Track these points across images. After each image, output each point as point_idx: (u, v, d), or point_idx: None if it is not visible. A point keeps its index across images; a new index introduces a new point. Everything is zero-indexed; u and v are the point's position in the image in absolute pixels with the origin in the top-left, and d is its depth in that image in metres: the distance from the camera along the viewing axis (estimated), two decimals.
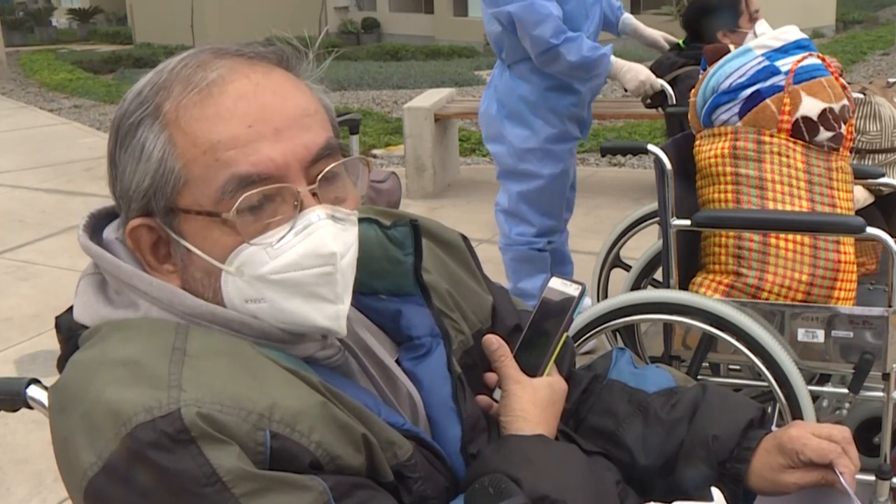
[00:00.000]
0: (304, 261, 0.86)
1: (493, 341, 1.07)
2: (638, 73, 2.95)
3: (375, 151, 6.94)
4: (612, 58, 2.86)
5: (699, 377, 2.08)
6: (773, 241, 1.98)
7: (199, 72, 0.88)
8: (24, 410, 1.13)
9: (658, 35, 3.46)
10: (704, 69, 2.23)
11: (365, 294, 1.04)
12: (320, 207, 0.87)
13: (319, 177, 0.88)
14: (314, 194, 0.88)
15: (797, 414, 1.87)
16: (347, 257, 0.90)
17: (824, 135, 2.01)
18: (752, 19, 3.12)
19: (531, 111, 2.95)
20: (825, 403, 2.25)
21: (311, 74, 0.95)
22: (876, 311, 1.93)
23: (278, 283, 0.87)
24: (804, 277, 1.98)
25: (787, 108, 2.00)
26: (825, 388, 2.17)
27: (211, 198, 0.85)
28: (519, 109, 2.96)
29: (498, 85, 3.02)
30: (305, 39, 0.97)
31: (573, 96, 2.97)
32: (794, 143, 2.01)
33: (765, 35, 2.16)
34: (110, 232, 0.95)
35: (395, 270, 1.04)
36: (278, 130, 0.86)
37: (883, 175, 2.42)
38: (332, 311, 0.88)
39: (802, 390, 1.87)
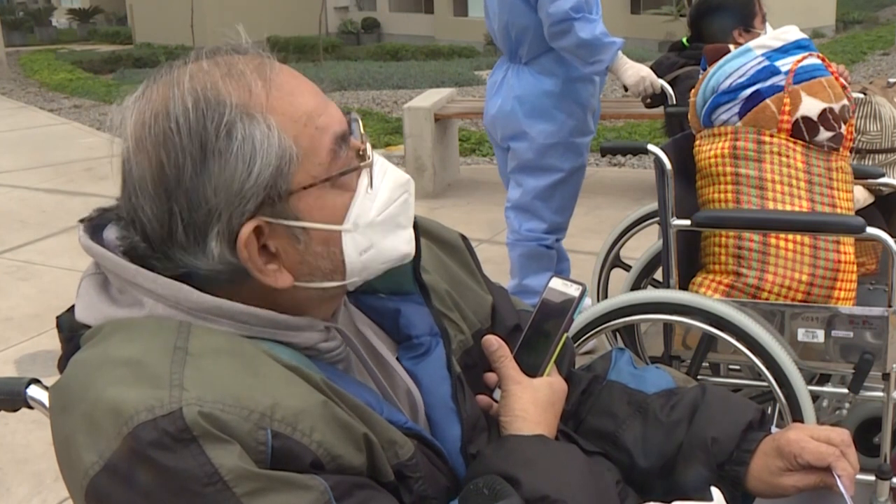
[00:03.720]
0: (394, 194, 0.94)
1: (493, 342, 1.07)
2: (639, 70, 2.96)
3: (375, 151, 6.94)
4: (619, 52, 2.88)
5: (699, 377, 2.08)
6: (773, 241, 1.99)
7: (242, 63, 0.89)
8: (24, 410, 1.13)
9: None
10: (704, 69, 2.23)
11: (364, 292, 1.05)
12: (374, 151, 0.95)
13: (362, 129, 0.95)
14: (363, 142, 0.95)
15: (797, 414, 1.87)
16: None
17: (824, 135, 2.01)
18: (764, 20, 3.12)
19: (555, 105, 2.98)
20: (825, 403, 2.25)
21: None
22: (876, 311, 1.93)
23: (381, 224, 0.93)
24: (804, 277, 1.98)
25: (787, 108, 2.00)
26: (825, 388, 2.17)
27: (323, 165, 0.89)
28: (542, 105, 2.98)
29: (514, 84, 3.03)
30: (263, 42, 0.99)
31: (592, 86, 3.03)
32: (794, 143, 2.01)
33: (765, 35, 2.17)
34: (110, 233, 0.95)
35: (395, 269, 1.04)
36: (323, 98, 0.93)
37: (883, 175, 2.42)
38: (408, 235, 0.97)
39: (802, 390, 1.87)
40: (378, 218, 0.92)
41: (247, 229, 0.86)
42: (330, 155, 0.89)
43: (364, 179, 0.92)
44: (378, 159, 0.95)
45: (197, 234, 0.86)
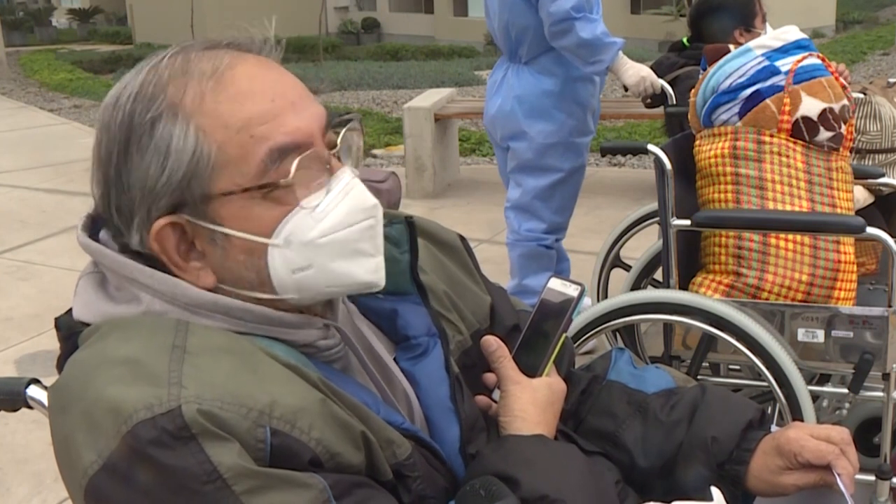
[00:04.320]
0: (350, 217, 0.90)
1: (492, 342, 1.07)
2: (639, 70, 2.96)
3: (375, 151, 6.94)
4: (619, 52, 2.88)
5: (699, 377, 2.08)
6: (773, 241, 1.99)
7: (203, 62, 0.89)
8: (24, 410, 1.13)
9: None
10: (704, 69, 2.23)
11: (362, 293, 1.05)
12: (348, 168, 0.91)
13: (340, 138, 0.92)
14: (338, 158, 0.92)
15: (797, 414, 1.87)
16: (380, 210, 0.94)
17: (824, 135, 2.01)
18: (765, 20, 3.12)
19: (555, 105, 2.98)
20: (825, 403, 2.25)
21: (278, 57, 0.98)
22: (876, 311, 1.93)
23: (326, 246, 0.89)
24: (804, 277, 1.98)
25: (787, 108, 2.00)
26: (825, 388, 2.17)
27: (250, 174, 0.86)
28: (542, 104, 2.98)
29: (514, 84, 3.03)
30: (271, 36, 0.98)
31: (592, 86, 3.02)
32: (794, 143, 2.01)
33: (765, 35, 2.17)
34: (106, 233, 0.95)
35: (392, 269, 1.04)
36: (294, 103, 0.89)
37: (883, 175, 2.42)
38: (373, 264, 0.92)
39: (802, 390, 1.87)
40: (322, 240, 0.88)
41: (158, 224, 0.88)
42: (260, 166, 0.86)
43: (315, 196, 0.88)
44: (344, 179, 0.90)
45: (126, 220, 0.90)
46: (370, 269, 0.92)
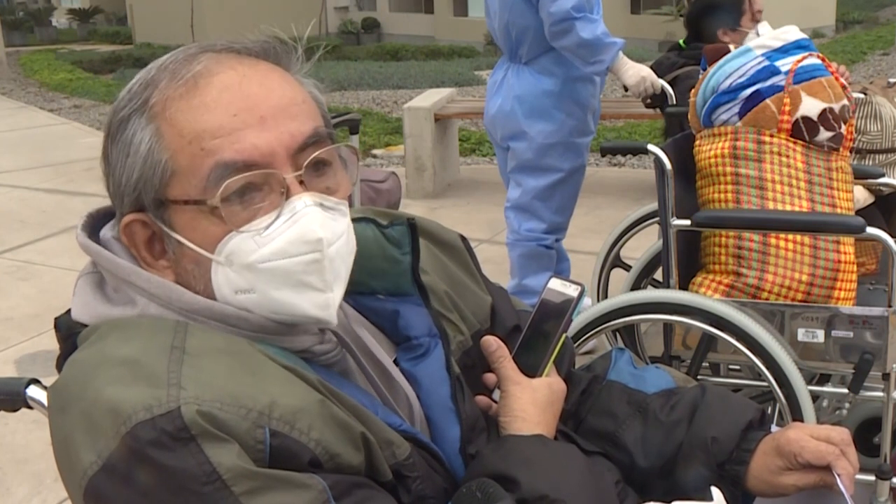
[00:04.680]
0: (291, 248, 0.86)
1: (492, 342, 1.07)
2: (639, 70, 2.96)
3: (375, 151, 6.94)
4: (619, 52, 2.88)
5: (699, 377, 2.08)
6: (773, 241, 1.99)
7: (186, 65, 0.89)
8: (24, 410, 1.13)
9: None
10: (704, 69, 2.23)
11: (363, 294, 1.05)
12: (307, 194, 0.88)
13: (305, 164, 0.88)
14: (301, 182, 0.88)
15: (797, 414, 1.87)
16: (336, 245, 0.89)
17: (824, 135, 2.01)
18: (755, 19, 3.13)
19: (555, 105, 2.98)
20: (825, 403, 2.25)
21: (300, 69, 0.96)
22: (876, 311, 1.93)
23: (267, 272, 0.86)
24: (804, 277, 1.98)
25: (787, 108, 2.00)
26: (825, 388, 2.17)
27: (197, 187, 0.86)
28: (542, 104, 2.98)
29: (514, 84, 3.02)
30: (295, 37, 0.98)
31: (592, 86, 3.02)
32: (794, 143, 2.01)
33: (765, 35, 2.17)
34: (107, 230, 0.96)
35: (393, 270, 1.04)
36: (263, 119, 0.87)
37: (883, 175, 2.42)
38: (322, 300, 0.88)
39: (802, 390, 1.87)
40: (262, 265, 0.86)
41: (127, 219, 0.90)
42: (205, 180, 0.85)
43: (265, 219, 0.86)
44: (296, 209, 0.86)
45: (114, 209, 0.93)
46: (318, 304, 0.88)
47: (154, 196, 0.88)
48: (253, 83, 0.89)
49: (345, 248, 0.91)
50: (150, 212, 0.89)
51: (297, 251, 0.86)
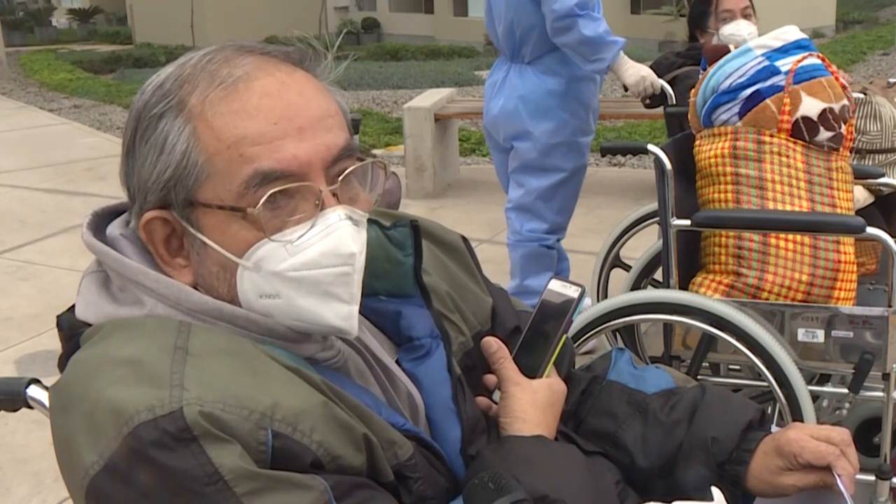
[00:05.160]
0: (324, 259, 0.87)
1: (493, 343, 1.07)
2: (639, 70, 2.96)
3: (375, 151, 6.94)
4: (620, 52, 2.88)
5: (699, 377, 2.08)
6: (773, 241, 1.99)
7: (225, 67, 0.88)
8: (24, 410, 1.13)
9: None
10: (704, 69, 2.23)
11: (365, 295, 1.04)
12: (340, 208, 0.88)
13: (341, 177, 0.89)
14: (334, 194, 0.89)
15: (797, 414, 1.87)
16: (362, 258, 0.90)
17: (824, 135, 2.01)
18: (720, 19, 3.18)
19: (559, 104, 2.98)
20: (825, 403, 2.25)
21: (328, 76, 0.96)
22: (876, 311, 1.93)
23: (295, 281, 0.87)
24: (804, 277, 1.98)
25: (787, 108, 2.00)
26: (825, 388, 2.17)
27: (233, 192, 0.86)
28: (546, 104, 2.98)
29: (517, 84, 3.02)
30: (326, 42, 0.98)
31: (594, 85, 3.03)
32: (794, 143, 2.01)
33: (764, 35, 2.17)
34: (114, 228, 0.95)
35: (395, 271, 1.04)
36: (302, 129, 0.87)
37: (883, 175, 2.42)
38: (346, 312, 0.89)
39: (802, 390, 1.87)
40: (291, 273, 0.86)
41: (148, 216, 0.89)
42: (242, 187, 0.85)
43: (297, 229, 0.86)
44: (329, 221, 0.87)
45: (131, 204, 0.93)
46: (342, 315, 0.89)
47: (185, 196, 0.88)
48: (292, 92, 0.89)
49: (365, 260, 0.92)
50: (175, 210, 0.89)
51: (329, 263, 0.87)
